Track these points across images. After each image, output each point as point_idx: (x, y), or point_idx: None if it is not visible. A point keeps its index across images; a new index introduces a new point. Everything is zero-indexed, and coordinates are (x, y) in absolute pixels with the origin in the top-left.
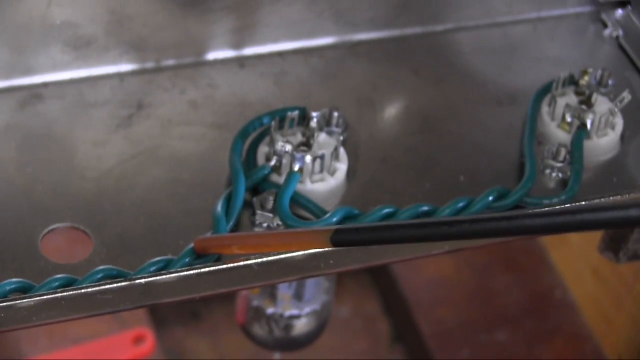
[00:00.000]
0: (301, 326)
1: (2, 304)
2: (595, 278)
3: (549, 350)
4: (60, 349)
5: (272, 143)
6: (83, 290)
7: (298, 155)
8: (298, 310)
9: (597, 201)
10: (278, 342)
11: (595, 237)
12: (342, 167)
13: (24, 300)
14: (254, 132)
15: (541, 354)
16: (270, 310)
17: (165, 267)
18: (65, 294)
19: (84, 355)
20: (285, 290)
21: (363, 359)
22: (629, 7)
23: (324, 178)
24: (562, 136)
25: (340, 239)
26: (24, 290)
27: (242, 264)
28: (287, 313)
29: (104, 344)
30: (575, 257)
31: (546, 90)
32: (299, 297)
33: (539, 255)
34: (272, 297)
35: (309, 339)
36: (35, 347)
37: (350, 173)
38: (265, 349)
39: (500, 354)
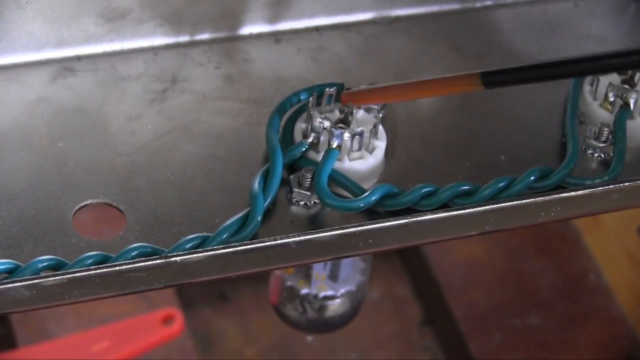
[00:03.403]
0: (335, 307)
1: (34, 281)
2: (630, 261)
3: (583, 335)
4: (88, 328)
5: (310, 119)
6: (117, 268)
7: (336, 132)
8: (333, 291)
9: None
10: (311, 324)
11: (631, 220)
12: (381, 144)
13: (57, 278)
14: (291, 108)
15: (575, 338)
16: (304, 291)
17: (201, 244)
18: (99, 271)
19: (112, 335)
20: (320, 270)
21: (393, 342)
22: None
23: (363, 156)
24: (605, 115)
25: (490, 80)
26: (56, 267)
27: (279, 242)
28: (322, 293)
29: (133, 324)
30: (609, 241)
31: None
32: (334, 277)
33: (573, 238)
34: (307, 276)
35: (342, 320)
36: (62, 327)
37: (389, 151)
38: (297, 330)
39: (533, 338)
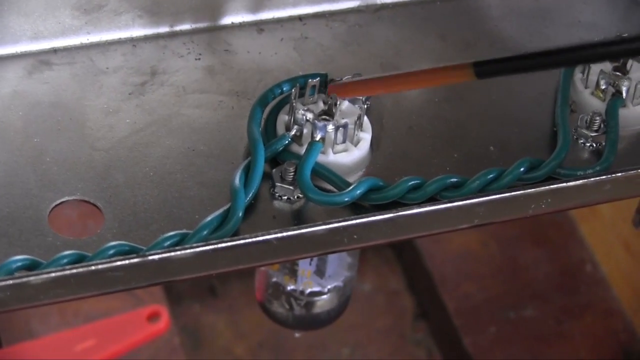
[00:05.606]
0: (322, 303)
1: (8, 282)
2: (626, 252)
3: (579, 327)
4: (72, 326)
5: (292, 111)
6: (93, 267)
7: (319, 124)
8: (319, 287)
9: None
10: (298, 320)
11: (627, 210)
12: (366, 136)
13: (31, 278)
14: (274, 100)
15: (571, 330)
16: (290, 287)
17: (180, 241)
18: (75, 271)
19: (97, 333)
20: (306, 266)
21: (386, 336)
22: None
23: (347, 148)
24: (596, 104)
25: (482, 70)
26: (32, 267)
27: (261, 238)
28: (308, 290)
29: (118, 322)
30: (605, 231)
31: None
32: (320, 273)
33: (568, 228)
34: (292, 273)
35: (330, 316)
36: (46, 325)
37: (375, 143)
38: (284, 327)
39: (528, 331)
